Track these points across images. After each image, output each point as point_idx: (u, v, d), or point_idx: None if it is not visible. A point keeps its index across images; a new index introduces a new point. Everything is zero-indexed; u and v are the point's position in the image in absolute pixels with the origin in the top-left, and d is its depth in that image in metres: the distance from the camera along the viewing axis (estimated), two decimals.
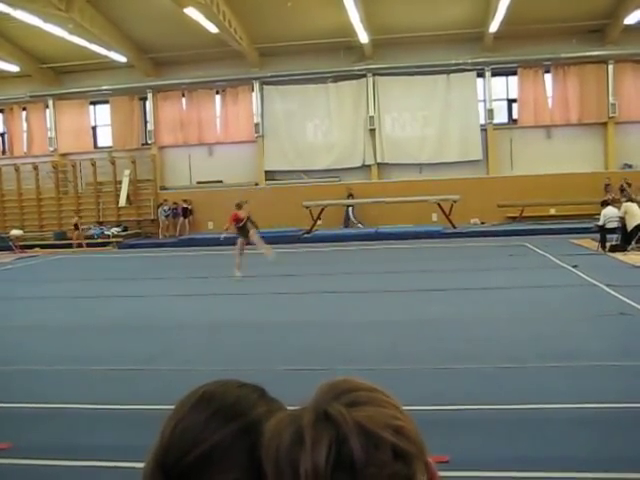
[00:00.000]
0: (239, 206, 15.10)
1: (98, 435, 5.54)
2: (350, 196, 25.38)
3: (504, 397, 6.01)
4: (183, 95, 27.54)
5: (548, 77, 25.36)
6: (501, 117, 26.07)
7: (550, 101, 25.32)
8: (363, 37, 23.07)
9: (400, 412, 0.87)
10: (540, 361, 7.09)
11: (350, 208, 25.49)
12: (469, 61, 24.74)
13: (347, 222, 25.60)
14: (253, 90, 26.68)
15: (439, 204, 23.25)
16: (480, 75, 25.27)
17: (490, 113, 25.36)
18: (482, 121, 25.42)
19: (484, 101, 25.51)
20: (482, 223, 24.48)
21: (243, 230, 14.98)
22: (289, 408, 1.01)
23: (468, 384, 6.46)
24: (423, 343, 8.36)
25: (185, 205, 26.54)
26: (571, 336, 8.33)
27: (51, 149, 28.57)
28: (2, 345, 9.39)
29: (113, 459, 4.90)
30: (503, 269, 14.55)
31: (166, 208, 26.52)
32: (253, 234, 15.16)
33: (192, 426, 0.96)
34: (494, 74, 25.31)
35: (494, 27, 22.35)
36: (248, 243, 15.26)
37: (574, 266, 13.69)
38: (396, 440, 0.81)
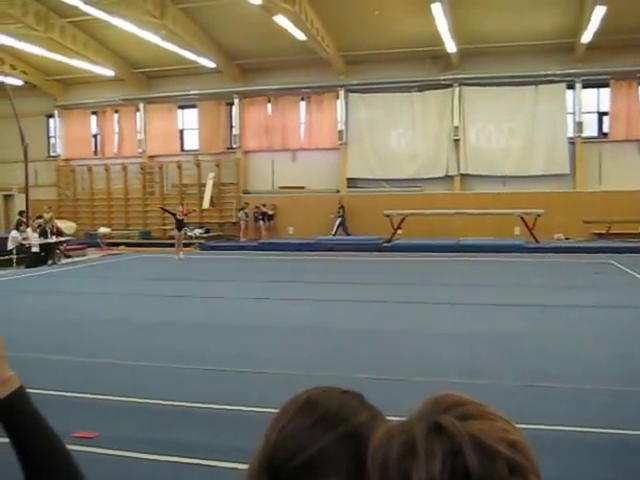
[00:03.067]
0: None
1: (178, 432, 5.67)
2: (341, 208, 25.83)
3: (587, 418, 5.82)
4: (269, 101, 27.93)
5: None
6: (591, 130, 25.30)
7: None
8: (450, 46, 22.87)
9: (511, 426, 0.86)
10: (625, 383, 6.85)
11: (340, 219, 25.90)
12: (559, 72, 24.17)
13: (337, 231, 25.95)
14: (338, 97, 26.82)
15: (522, 218, 22.79)
16: (570, 87, 24.64)
17: (579, 126, 24.68)
18: (570, 134, 24.76)
19: (573, 113, 24.85)
20: (566, 239, 23.83)
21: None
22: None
23: (549, 403, 6.30)
24: (503, 358, 8.20)
25: (265, 210, 26.86)
26: None
27: (140, 151, 29.49)
28: (88, 339, 9.72)
29: (194, 456, 5.01)
30: (588, 287, 14.13)
31: (247, 211, 26.91)
32: None
33: (298, 431, 0.98)
34: (585, 86, 24.63)
35: (587, 37, 21.75)
36: None
37: None
38: (511, 454, 0.80)
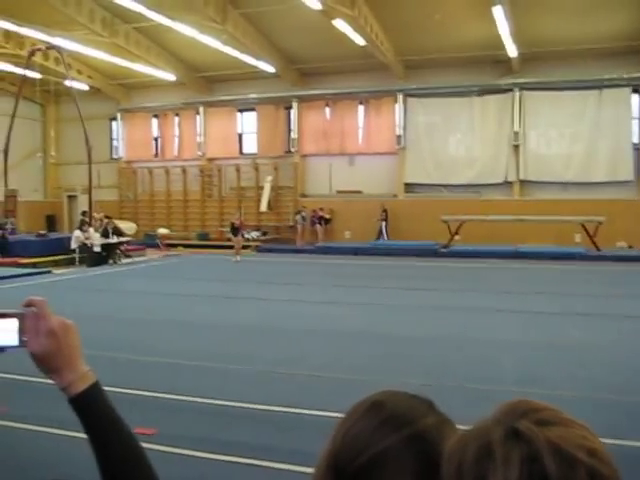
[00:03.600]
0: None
1: (234, 432, 5.74)
2: (384, 212, 25.70)
3: None
4: (327, 105, 28.01)
5: None
6: None
7: None
8: (512, 50, 22.56)
9: (590, 433, 0.84)
10: None
11: (384, 223, 25.82)
12: (624, 76, 23.56)
13: (380, 235, 25.87)
14: (396, 102, 26.73)
15: (583, 225, 22.30)
16: (635, 91, 24.02)
17: None
18: (636, 140, 24.13)
19: (639, 119, 24.21)
20: (629, 247, 23.21)
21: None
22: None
23: (612, 417, 6.14)
24: (562, 368, 8.03)
25: (322, 213, 26.93)
26: None
27: (199, 153, 29.93)
28: (147, 337, 9.93)
29: (249, 456, 5.07)
30: None
31: (304, 215, 27.02)
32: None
33: (363, 431, 0.99)
34: None
35: None
36: None
37: None
38: (591, 462, 0.79)
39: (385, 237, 25.98)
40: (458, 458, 0.85)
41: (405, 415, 1.00)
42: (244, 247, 24.14)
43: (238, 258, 22.11)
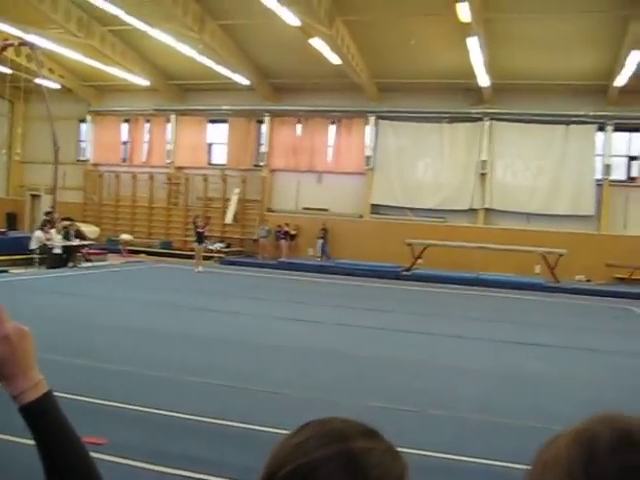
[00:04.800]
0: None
1: (186, 445, 5.67)
2: (323, 230, 26.05)
3: None
4: (299, 121, 28.09)
5: None
6: (619, 174, 25.12)
7: None
8: (484, 80, 22.91)
9: None
10: None
11: (321, 241, 26.27)
12: (591, 114, 24.09)
13: (322, 255, 26.23)
14: (368, 123, 26.92)
15: (544, 256, 22.64)
16: (601, 129, 24.55)
17: (607, 169, 24.51)
18: (598, 176, 24.62)
19: (602, 156, 24.72)
20: (587, 281, 23.62)
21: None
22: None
23: None
24: (516, 398, 8.12)
25: (288, 229, 26.93)
26: None
27: (168, 161, 29.74)
28: (103, 344, 9.77)
29: (200, 471, 5.01)
30: (606, 331, 13.99)
31: (268, 229, 26.95)
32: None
33: (294, 444, 1.01)
34: (616, 129, 24.50)
35: (621, 81, 21.72)
36: None
37: None
38: None
39: (325, 256, 26.20)
40: (564, 460, 0.89)
41: (337, 432, 1.01)
42: (206, 258, 24.01)
43: (200, 269, 21.98)
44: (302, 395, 7.35)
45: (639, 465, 0.84)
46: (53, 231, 21.64)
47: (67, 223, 22.51)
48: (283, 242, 26.85)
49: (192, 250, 23.86)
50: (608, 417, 0.92)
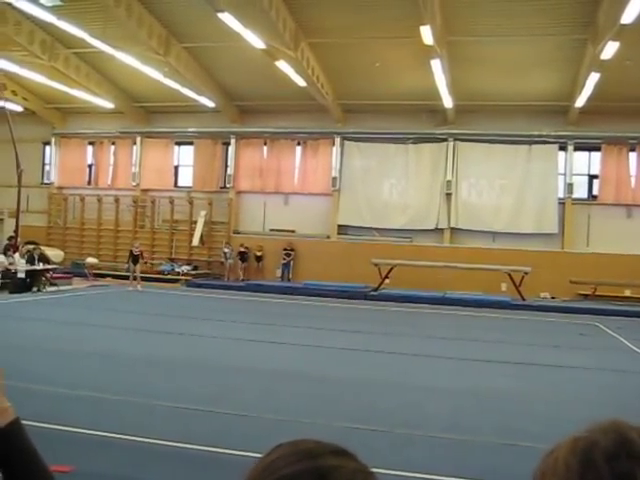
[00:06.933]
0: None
1: (154, 470, 5.61)
2: (288, 251, 26.48)
3: None
4: (265, 143, 28.15)
5: (633, 155, 24.88)
6: (581, 192, 25.63)
7: (634, 180, 24.78)
8: (447, 102, 23.23)
9: None
10: None
11: (283, 262, 26.64)
12: (552, 134, 24.57)
13: (284, 276, 26.63)
14: (334, 144, 27.08)
15: (510, 274, 22.90)
16: (562, 148, 25.02)
17: (570, 187, 24.98)
18: (561, 195, 25.04)
19: (564, 175, 25.17)
20: (552, 298, 23.94)
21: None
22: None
23: (526, 464, 6.24)
24: (484, 416, 8.17)
25: (244, 250, 26.88)
26: None
27: (133, 184, 29.54)
28: (68, 369, 9.64)
29: None
30: (572, 347, 14.16)
31: (227, 250, 26.85)
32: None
33: (265, 464, 1.02)
34: (577, 148, 25.02)
35: (581, 102, 22.21)
36: None
37: None
38: None
39: (287, 276, 26.39)
40: (563, 464, 0.91)
41: (307, 451, 1.03)
42: (173, 281, 23.88)
43: (139, 287, 22.29)
44: (270, 417, 7.31)
45: (634, 473, 0.86)
46: (16, 255, 21.33)
47: (31, 247, 22.23)
48: (239, 263, 26.82)
49: (161, 273, 23.91)
50: (607, 425, 0.94)
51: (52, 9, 17.72)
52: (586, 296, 23.68)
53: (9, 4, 17.75)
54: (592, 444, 0.91)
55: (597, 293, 23.44)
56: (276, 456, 1.02)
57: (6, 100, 23.93)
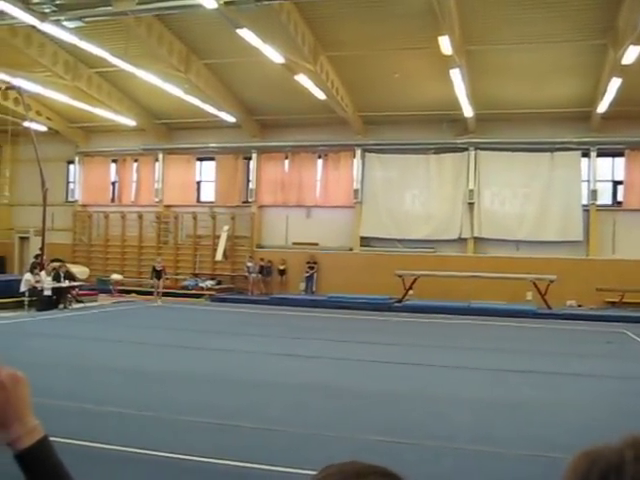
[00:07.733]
0: None
1: None
2: (311, 264, 26.46)
3: None
4: (286, 157, 28.25)
5: None
6: (605, 199, 25.36)
7: None
8: (468, 111, 23.17)
9: None
10: None
11: (306, 274, 26.70)
12: (574, 140, 24.38)
13: (307, 289, 26.68)
14: (355, 156, 27.10)
15: (535, 283, 22.70)
16: (585, 155, 24.81)
17: (594, 194, 24.74)
18: (585, 201, 24.81)
19: (588, 181, 24.94)
20: (579, 306, 23.67)
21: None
22: None
23: (556, 475, 6.15)
24: (513, 426, 8.08)
25: (263, 264, 26.98)
26: None
27: (156, 200, 29.78)
28: (95, 386, 9.69)
29: None
30: (600, 356, 13.96)
31: (250, 264, 26.92)
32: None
33: None
34: (600, 154, 24.78)
35: (602, 108, 22.04)
36: None
37: None
38: None
39: (309, 290, 26.41)
40: (584, 471, 0.94)
41: (354, 473, 1.04)
42: (196, 296, 24.00)
43: (159, 302, 22.65)
44: (298, 431, 7.29)
45: None
46: (43, 273, 21.55)
47: (57, 264, 22.45)
48: (260, 277, 26.92)
49: (184, 288, 24.09)
50: (618, 442, 0.96)
51: (75, 30, 17.96)
52: (613, 304, 23.40)
53: (33, 27, 18.07)
54: (592, 462, 0.94)
55: (624, 300, 23.14)
56: (323, 475, 1.04)
57: (31, 120, 24.26)
